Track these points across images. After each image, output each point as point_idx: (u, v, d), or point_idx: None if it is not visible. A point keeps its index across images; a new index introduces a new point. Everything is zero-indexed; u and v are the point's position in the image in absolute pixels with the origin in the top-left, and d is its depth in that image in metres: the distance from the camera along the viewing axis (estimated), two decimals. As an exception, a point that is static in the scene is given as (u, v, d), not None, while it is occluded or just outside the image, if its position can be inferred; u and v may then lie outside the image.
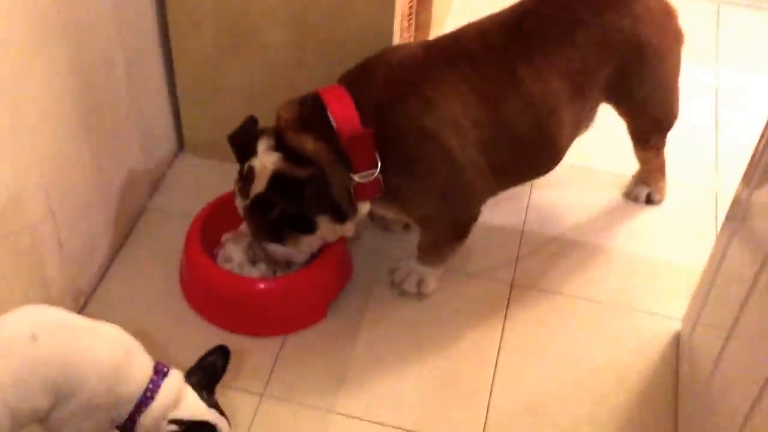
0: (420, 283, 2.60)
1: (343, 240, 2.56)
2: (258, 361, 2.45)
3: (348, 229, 2.41)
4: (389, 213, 2.54)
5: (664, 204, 2.97)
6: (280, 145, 2.27)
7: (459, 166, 2.33)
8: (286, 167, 2.25)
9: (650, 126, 2.76)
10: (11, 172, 2.12)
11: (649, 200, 2.94)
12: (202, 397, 2.00)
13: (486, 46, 2.35)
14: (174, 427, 1.92)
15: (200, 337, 2.48)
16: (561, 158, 2.56)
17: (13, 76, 2.07)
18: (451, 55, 2.33)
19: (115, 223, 2.68)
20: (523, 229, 2.85)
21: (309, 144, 2.24)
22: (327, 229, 2.37)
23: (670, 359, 2.50)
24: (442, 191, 2.39)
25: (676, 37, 2.60)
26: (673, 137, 2.86)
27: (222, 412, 2.03)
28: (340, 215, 2.34)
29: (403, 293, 2.62)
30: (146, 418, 1.93)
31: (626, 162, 2.94)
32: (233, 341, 2.45)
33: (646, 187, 2.94)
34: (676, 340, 2.54)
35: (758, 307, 1.79)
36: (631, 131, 2.76)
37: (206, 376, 2.05)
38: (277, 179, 2.26)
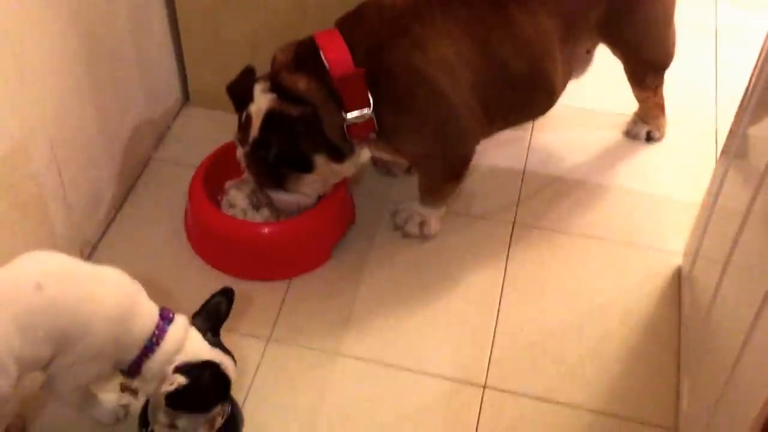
0: (422, 224, 2.60)
1: (345, 184, 2.56)
2: (264, 306, 2.45)
3: (347, 168, 2.41)
4: (385, 154, 2.53)
5: (665, 142, 2.96)
6: (275, 86, 2.28)
7: (450, 105, 2.33)
8: (278, 105, 2.26)
9: (645, 66, 2.74)
10: (16, 120, 2.13)
11: (649, 138, 2.92)
12: (206, 338, 2.00)
13: None
14: (181, 378, 1.92)
15: (206, 284, 2.46)
16: (555, 99, 2.54)
17: (18, 28, 2.08)
18: None
19: (121, 173, 2.69)
20: (524, 170, 2.84)
21: (302, 83, 2.25)
22: (325, 169, 2.36)
23: (672, 294, 2.49)
24: (433, 130, 2.38)
25: None
26: (673, 76, 2.85)
27: (227, 351, 2.03)
28: (337, 154, 2.34)
29: (406, 235, 2.62)
30: (152, 363, 1.93)
31: (626, 102, 2.92)
32: (239, 286, 2.42)
33: (645, 125, 2.92)
34: (678, 275, 2.53)
35: (750, 238, 1.79)
36: (627, 71, 2.75)
37: (211, 318, 2.05)
38: (270, 117, 2.27)
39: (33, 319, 1.79)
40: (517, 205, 2.73)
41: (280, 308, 2.45)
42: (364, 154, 2.46)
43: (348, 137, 2.32)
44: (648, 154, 2.91)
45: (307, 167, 2.34)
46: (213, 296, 2.08)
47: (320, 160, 2.34)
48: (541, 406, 2.24)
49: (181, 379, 1.91)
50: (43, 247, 2.05)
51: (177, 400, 1.97)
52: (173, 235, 2.63)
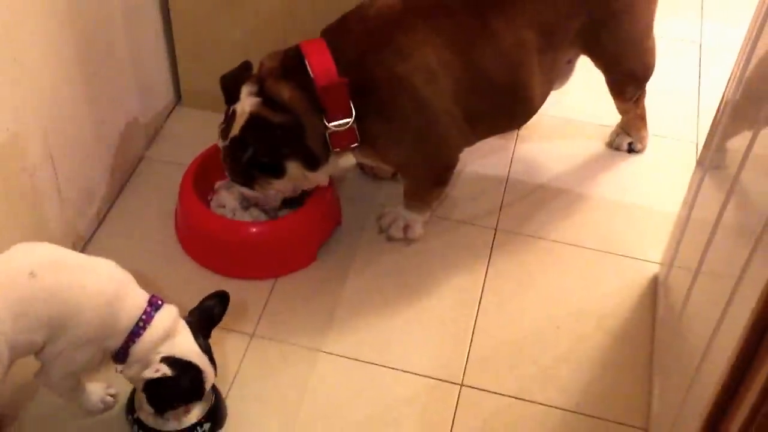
0: (406, 228, 2.67)
1: (331, 186, 2.64)
2: (249, 303, 2.52)
3: (320, 177, 2.49)
4: (368, 161, 2.59)
5: (647, 153, 3.02)
6: (261, 92, 2.34)
7: (431, 114, 2.39)
8: (262, 111, 2.33)
9: (625, 78, 2.80)
10: (11, 114, 2.18)
11: (631, 149, 2.99)
12: (197, 341, 2.06)
13: None
14: (166, 369, 1.97)
15: (195, 281, 2.55)
16: (534, 109, 2.61)
17: (16, 26, 2.14)
18: (426, 6, 2.37)
19: (113, 170, 2.75)
20: (507, 178, 2.90)
21: (286, 92, 2.32)
22: (297, 175, 2.43)
23: (648, 301, 2.56)
24: (415, 138, 2.44)
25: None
26: (656, 89, 2.93)
27: (212, 359, 2.09)
28: (313, 162, 2.41)
29: (390, 238, 2.68)
30: (137, 348, 1.99)
31: (609, 114, 2.98)
32: (226, 284, 2.50)
33: (627, 136, 2.99)
34: (655, 283, 2.60)
35: (718, 246, 1.87)
36: (608, 83, 2.80)
37: (202, 319, 2.11)
38: (252, 121, 2.34)
39: (27, 307, 1.86)
40: (500, 212, 2.79)
41: (265, 306, 2.51)
42: (348, 160, 2.53)
43: (330, 146, 2.39)
44: (629, 165, 2.98)
45: (278, 173, 2.41)
46: (207, 298, 2.13)
47: (293, 167, 2.40)
48: (516, 404, 2.31)
49: (166, 370, 1.97)
50: (36, 240, 2.11)
51: (154, 389, 2.02)
52: (164, 233, 2.69)
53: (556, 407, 2.31)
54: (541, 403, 2.32)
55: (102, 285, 1.97)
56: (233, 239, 2.56)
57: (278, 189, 2.49)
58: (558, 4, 2.46)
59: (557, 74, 2.64)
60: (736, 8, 3.56)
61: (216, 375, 2.10)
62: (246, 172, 2.43)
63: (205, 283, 2.52)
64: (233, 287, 2.47)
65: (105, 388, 2.22)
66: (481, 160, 2.93)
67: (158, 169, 2.89)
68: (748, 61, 2.00)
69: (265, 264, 2.59)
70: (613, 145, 3.02)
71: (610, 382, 2.37)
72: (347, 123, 2.34)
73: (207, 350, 2.08)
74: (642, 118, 2.95)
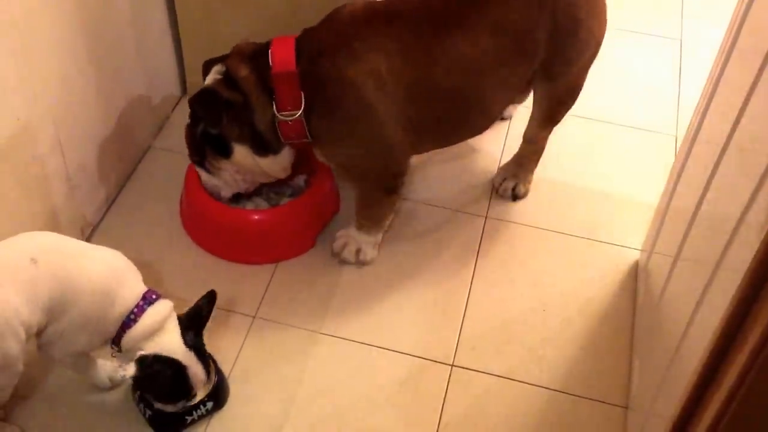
0: (358, 251, 2.60)
1: (331, 175, 2.65)
2: (251, 286, 2.52)
3: (273, 168, 2.44)
4: (325, 160, 2.49)
5: (628, 147, 3.03)
6: (225, 71, 2.34)
7: (376, 118, 2.32)
8: (217, 86, 2.31)
9: (562, 104, 2.64)
10: (22, 103, 2.18)
11: (515, 195, 2.82)
12: (186, 337, 2.05)
13: (427, 6, 2.33)
14: (131, 371, 1.96)
15: (199, 266, 2.56)
16: (491, 119, 2.53)
17: (26, 20, 2.13)
18: (391, 15, 2.31)
19: (121, 159, 2.74)
20: (498, 169, 2.89)
21: (243, 72, 2.30)
22: (246, 160, 2.40)
23: (629, 286, 2.57)
24: (359, 141, 2.38)
25: (600, 24, 2.49)
26: (638, 86, 2.95)
27: (203, 357, 2.09)
28: (261, 148, 2.38)
29: (342, 261, 2.61)
30: (126, 339, 2.00)
31: (592, 109, 2.99)
32: (229, 269, 2.54)
33: (513, 179, 2.83)
34: (635, 269, 2.61)
35: (696, 236, 1.88)
36: (544, 110, 2.64)
37: (193, 318, 2.10)
38: (202, 93, 2.32)
39: (33, 290, 1.86)
40: (489, 201, 2.80)
41: (266, 289, 2.51)
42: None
43: (281, 136, 2.35)
44: (612, 157, 2.99)
45: (225, 152, 2.38)
46: (200, 299, 2.12)
47: (240, 150, 2.37)
48: (505, 384, 2.32)
49: (131, 372, 1.95)
50: (46, 227, 2.11)
51: (141, 385, 2.05)
52: (169, 220, 2.68)
53: (542, 386, 2.32)
54: (527, 383, 2.33)
55: (100, 271, 1.97)
56: (236, 226, 2.56)
57: (229, 172, 2.45)
58: (518, 18, 2.35)
59: (515, 90, 2.56)
60: (715, 7, 3.57)
61: (208, 373, 2.12)
62: (199, 148, 2.41)
63: (208, 268, 2.54)
64: (236, 272, 2.51)
65: (116, 366, 2.22)
66: (473, 152, 2.94)
67: (164, 158, 2.88)
68: (727, 58, 1.99)
69: (266, 250, 2.59)
70: (499, 191, 2.83)
71: (593, 363, 2.38)
72: (294, 114, 2.30)
73: (197, 347, 2.08)
74: (540, 153, 2.82)
